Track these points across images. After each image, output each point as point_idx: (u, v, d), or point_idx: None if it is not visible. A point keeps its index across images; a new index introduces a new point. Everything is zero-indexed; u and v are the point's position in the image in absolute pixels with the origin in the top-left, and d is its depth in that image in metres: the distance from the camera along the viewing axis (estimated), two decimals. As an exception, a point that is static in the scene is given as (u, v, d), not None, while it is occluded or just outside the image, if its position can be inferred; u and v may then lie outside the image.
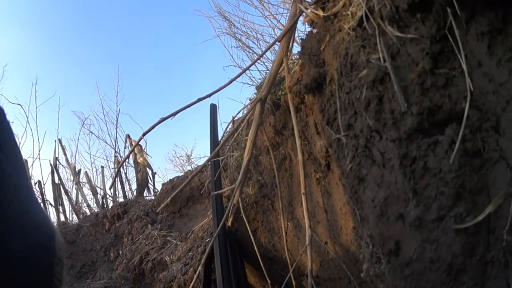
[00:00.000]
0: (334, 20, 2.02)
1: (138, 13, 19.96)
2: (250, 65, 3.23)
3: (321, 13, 2.17)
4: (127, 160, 10.09)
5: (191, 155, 10.06)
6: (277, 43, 2.79)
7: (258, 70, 6.78)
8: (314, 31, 2.30)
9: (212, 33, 7.72)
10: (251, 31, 7.06)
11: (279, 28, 6.45)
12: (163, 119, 2.92)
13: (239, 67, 6.93)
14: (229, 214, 3.22)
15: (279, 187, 3.11)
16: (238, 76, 2.93)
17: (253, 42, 6.99)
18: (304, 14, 2.31)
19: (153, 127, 2.99)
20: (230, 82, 2.87)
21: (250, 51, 6.94)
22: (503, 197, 1.24)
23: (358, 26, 1.71)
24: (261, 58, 6.77)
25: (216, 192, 3.46)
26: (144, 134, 2.97)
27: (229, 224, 3.28)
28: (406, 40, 1.51)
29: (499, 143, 1.30)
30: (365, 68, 1.66)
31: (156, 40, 20.02)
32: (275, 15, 6.49)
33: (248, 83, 6.65)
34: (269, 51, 6.77)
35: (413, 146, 1.47)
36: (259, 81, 6.58)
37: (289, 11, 5.39)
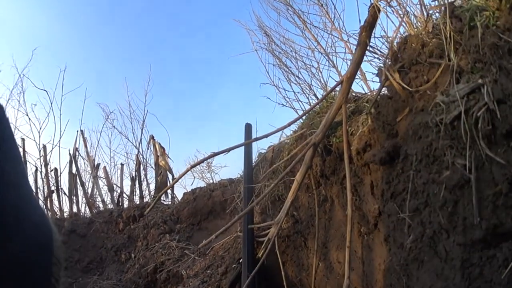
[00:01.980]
0: (415, 95, 2.07)
1: (174, 15, 19.88)
2: (309, 110, 3.25)
3: (397, 76, 2.22)
4: (147, 160, 10.13)
5: (211, 163, 10.06)
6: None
7: (293, 91, 6.77)
8: (387, 92, 2.35)
9: (249, 46, 7.68)
10: (290, 50, 7.05)
11: (318, 51, 6.42)
12: (215, 154, 2.97)
13: (274, 85, 6.88)
14: (263, 247, 3.24)
15: (317, 227, 3.15)
16: (292, 123, 2.98)
17: (291, 62, 6.97)
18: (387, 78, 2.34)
19: (203, 160, 3.09)
20: (285, 127, 2.92)
21: (288, 70, 6.92)
22: None
23: (449, 123, 1.75)
24: (297, 79, 6.80)
25: (251, 226, 3.50)
26: (192, 167, 3.02)
27: (259, 255, 3.31)
28: (493, 160, 1.57)
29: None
30: (448, 170, 1.74)
31: (190, 44, 19.90)
32: (316, 37, 6.48)
33: (282, 104, 6.65)
34: (304, 70, 6.82)
35: (475, 254, 1.63)
36: (293, 102, 6.60)
37: (351, 52, 5.43)
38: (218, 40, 19.20)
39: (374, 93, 2.77)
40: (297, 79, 6.74)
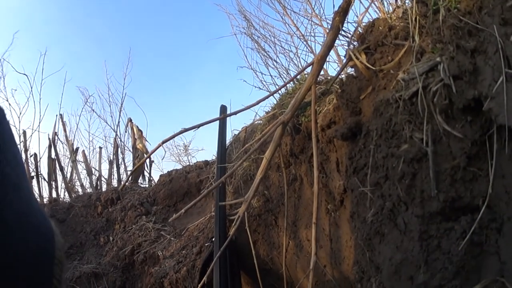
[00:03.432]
0: (379, 74, 2.13)
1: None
2: (276, 91, 3.28)
3: (364, 57, 2.27)
4: (124, 144, 10.10)
5: (189, 146, 10.04)
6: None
7: (270, 75, 6.81)
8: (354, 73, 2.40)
9: (229, 30, 7.71)
10: (269, 35, 7.06)
11: (297, 36, 6.46)
12: (185, 130, 2.99)
13: (252, 69, 6.91)
14: (233, 224, 3.28)
15: (286, 205, 3.20)
16: (261, 101, 3.01)
17: (270, 46, 6.99)
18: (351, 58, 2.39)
19: (173, 136, 3.06)
20: (254, 105, 2.95)
21: (266, 54, 6.94)
22: (489, 280, 1.50)
23: (408, 99, 1.81)
24: (274, 63, 6.82)
25: (222, 203, 3.55)
26: (163, 142, 3.02)
27: (230, 232, 3.36)
28: (451, 134, 1.64)
29: (498, 241, 1.53)
30: (406, 143, 1.80)
31: (170, 26, 19.80)
32: (295, 23, 6.50)
33: (259, 87, 6.68)
34: (282, 55, 6.84)
35: (433, 226, 1.70)
36: (270, 85, 6.63)
37: (323, 35, 5.42)
38: (199, 22, 19.18)
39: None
40: (275, 63, 6.81)
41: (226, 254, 3.32)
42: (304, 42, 6.31)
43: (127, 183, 7.68)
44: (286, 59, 6.78)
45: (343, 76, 2.77)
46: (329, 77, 3.47)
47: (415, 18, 2.00)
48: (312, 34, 6.30)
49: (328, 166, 2.77)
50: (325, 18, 5.59)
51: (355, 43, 2.55)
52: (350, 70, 2.58)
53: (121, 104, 11.04)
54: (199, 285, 3.06)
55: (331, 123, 2.64)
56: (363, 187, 2.07)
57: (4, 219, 0.64)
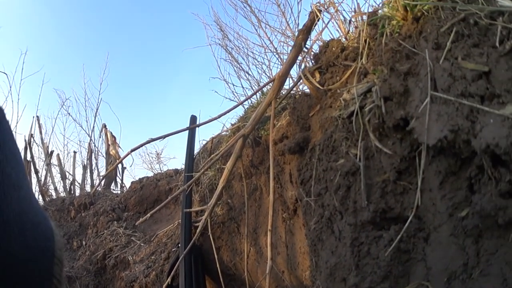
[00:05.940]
0: (328, 93, 2.29)
1: (135, 3, 19.71)
2: (238, 104, 3.43)
3: (318, 76, 2.43)
4: (98, 149, 10.13)
5: (161, 154, 10.09)
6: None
7: (242, 86, 6.91)
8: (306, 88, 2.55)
9: (205, 40, 7.79)
10: (243, 47, 7.17)
11: (270, 50, 6.57)
12: (152, 140, 3.12)
13: (224, 80, 7.01)
14: (198, 230, 3.40)
15: (247, 214, 3.34)
16: (223, 114, 3.15)
17: (243, 58, 7.09)
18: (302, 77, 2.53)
19: (141, 145, 3.19)
20: (219, 116, 3.09)
21: (239, 66, 7.05)
22: (416, 284, 1.67)
23: (347, 118, 1.98)
24: (246, 74, 6.94)
25: (187, 210, 3.68)
26: (132, 151, 3.16)
27: (194, 238, 3.47)
28: (382, 151, 1.80)
29: (424, 249, 1.69)
30: (343, 158, 1.97)
31: (147, 33, 19.80)
32: (269, 36, 6.63)
33: (230, 98, 6.78)
34: (254, 66, 6.95)
35: (363, 234, 1.86)
36: (241, 97, 6.74)
37: (285, 54, 5.54)
38: (177, 31, 19.20)
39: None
40: (247, 75, 6.89)
41: (191, 258, 3.45)
42: (277, 55, 6.42)
43: (99, 188, 7.71)
44: (258, 72, 6.88)
45: (298, 90, 2.93)
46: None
47: (365, 40, 2.14)
48: (285, 48, 6.40)
49: (283, 177, 2.91)
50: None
51: (311, 62, 2.69)
52: (305, 87, 2.73)
53: (97, 109, 11.06)
54: (164, 286, 3.19)
55: (283, 138, 2.78)
56: (308, 197, 2.24)
57: (4, 218, 0.65)
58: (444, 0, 1.71)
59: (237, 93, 6.89)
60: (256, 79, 6.77)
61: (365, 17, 2.28)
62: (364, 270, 1.80)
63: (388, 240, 1.76)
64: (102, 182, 8.70)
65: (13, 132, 0.82)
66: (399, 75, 1.78)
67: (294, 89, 3.18)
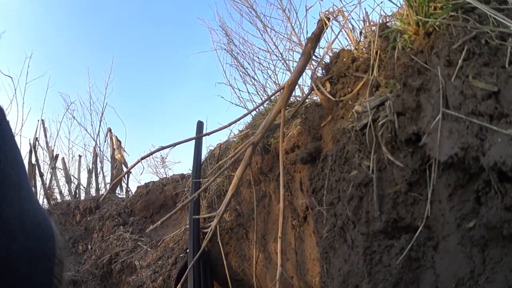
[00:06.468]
0: (339, 104, 2.35)
1: (140, 7, 19.68)
2: (250, 111, 3.48)
3: (328, 87, 2.47)
4: (103, 153, 10.15)
5: (166, 158, 10.09)
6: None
7: (248, 91, 6.94)
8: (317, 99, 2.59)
9: (210, 45, 7.82)
10: (248, 52, 7.19)
11: (275, 55, 6.62)
12: (162, 148, 3.18)
13: (230, 85, 7.05)
14: (206, 237, 3.44)
15: (256, 220, 3.39)
16: (233, 123, 3.20)
17: (248, 63, 7.12)
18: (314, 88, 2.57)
19: (151, 153, 3.25)
20: (229, 125, 3.15)
21: (244, 71, 7.08)
22: None
23: (360, 130, 2.04)
24: (251, 80, 6.98)
25: (196, 217, 3.73)
26: (142, 159, 3.20)
27: (203, 244, 3.50)
28: (394, 163, 1.86)
29: (434, 257, 1.77)
30: (356, 169, 2.04)
31: (152, 38, 19.69)
32: (275, 41, 6.66)
33: (236, 104, 6.82)
34: (260, 72, 6.99)
35: (375, 242, 1.94)
36: (247, 102, 6.78)
37: (294, 61, 5.56)
38: (181, 35, 19.18)
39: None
40: (253, 80, 6.93)
41: (199, 264, 3.49)
42: (282, 61, 6.45)
43: (106, 195, 7.73)
44: (264, 77, 6.89)
45: (309, 100, 2.97)
46: (299, 98, 3.64)
47: (376, 52, 2.18)
48: (290, 53, 6.44)
49: (293, 185, 2.97)
50: (304, 37, 5.71)
51: (321, 71, 2.73)
52: (316, 97, 2.76)
53: (102, 113, 11.06)
54: None
55: (294, 147, 2.83)
56: (320, 206, 2.30)
57: (4, 218, 0.65)
58: (455, 18, 1.75)
59: (243, 98, 6.93)
60: (262, 84, 6.82)
61: (374, 28, 2.31)
62: (376, 277, 1.87)
63: (399, 249, 1.84)
64: (107, 186, 8.72)
65: (13, 132, 0.83)
66: (411, 91, 1.82)
67: (302, 96, 3.21)
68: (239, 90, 6.98)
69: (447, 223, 1.69)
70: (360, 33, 2.65)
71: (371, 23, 2.54)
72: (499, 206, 1.43)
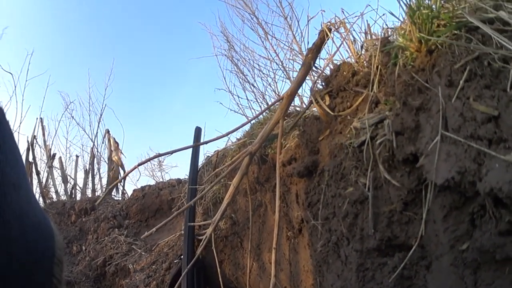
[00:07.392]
0: (338, 118, 2.35)
1: (143, 10, 19.70)
2: (248, 122, 3.49)
3: (327, 100, 2.47)
4: (101, 154, 10.14)
5: (163, 162, 10.10)
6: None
7: (247, 98, 6.96)
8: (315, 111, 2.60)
9: (211, 50, 7.84)
10: (249, 58, 7.21)
11: (275, 62, 6.63)
12: (160, 155, 3.18)
13: (229, 91, 7.07)
14: (201, 244, 3.44)
15: (251, 229, 3.38)
16: (230, 133, 3.19)
17: (248, 70, 7.13)
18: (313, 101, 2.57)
19: (148, 160, 3.24)
20: (227, 134, 3.15)
21: (244, 78, 7.10)
22: None
23: (357, 147, 2.04)
24: (251, 86, 6.99)
25: (191, 224, 3.73)
26: (139, 165, 3.19)
27: (198, 251, 3.50)
28: (391, 182, 1.85)
29: (426, 277, 1.77)
30: (352, 186, 2.04)
31: (154, 41, 19.76)
32: (275, 49, 6.67)
33: (234, 110, 6.83)
34: (260, 79, 7.00)
35: (369, 260, 1.94)
36: (245, 109, 6.79)
37: (294, 71, 5.56)
38: (182, 40, 19.19)
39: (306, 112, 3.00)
40: (252, 87, 6.95)
41: (193, 271, 3.51)
42: (282, 69, 6.46)
43: (102, 197, 7.72)
44: (264, 84, 6.92)
45: (308, 112, 2.97)
46: (298, 108, 3.64)
47: (377, 67, 2.17)
48: (291, 61, 6.44)
49: (289, 197, 2.97)
50: (305, 46, 5.71)
51: (322, 84, 2.73)
52: (314, 109, 2.76)
53: (101, 114, 11.08)
54: None
55: (291, 160, 2.82)
56: (315, 220, 2.30)
57: (4, 218, 0.65)
58: (459, 37, 1.74)
59: (241, 105, 6.95)
60: (261, 92, 6.84)
61: (376, 42, 2.31)
62: (368, 294, 1.87)
63: (392, 267, 1.84)
64: (104, 188, 8.71)
65: (13, 132, 0.84)
66: (411, 110, 1.81)
67: (301, 106, 3.21)
68: (238, 97, 7.01)
69: (441, 244, 1.69)
70: (362, 46, 2.64)
71: (373, 36, 2.53)
72: (493, 231, 1.43)
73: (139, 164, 3.20)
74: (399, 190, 1.84)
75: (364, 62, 2.42)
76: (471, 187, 1.46)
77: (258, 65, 7.02)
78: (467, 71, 1.60)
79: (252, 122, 4.02)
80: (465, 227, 1.60)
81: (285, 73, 6.28)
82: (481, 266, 1.55)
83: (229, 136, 3.65)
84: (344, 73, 2.47)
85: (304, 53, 5.12)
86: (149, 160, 3.18)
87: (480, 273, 1.55)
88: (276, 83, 6.68)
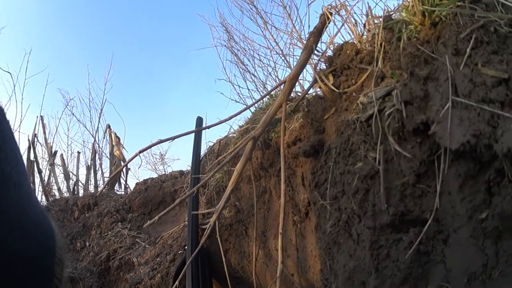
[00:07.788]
0: (343, 96, 2.28)
1: (141, 2, 19.67)
2: (248, 107, 3.43)
3: (331, 79, 2.41)
4: (102, 150, 10.10)
5: (165, 155, 10.06)
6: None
7: (248, 88, 6.91)
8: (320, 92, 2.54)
9: (210, 42, 7.79)
10: (249, 48, 7.16)
11: (276, 51, 6.57)
12: (161, 141, 3.12)
13: (230, 82, 7.02)
14: (205, 233, 3.38)
15: (256, 216, 3.33)
16: (234, 116, 3.14)
17: (248, 60, 7.09)
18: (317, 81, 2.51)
19: (149, 146, 3.19)
20: (229, 119, 3.08)
21: (244, 68, 7.04)
22: (435, 286, 1.68)
23: (365, 121, 1.97)
24: (251, 76, 6.94)
25: (194, 212, 3.66)
26: (140, 152, 3.14)
27: (202, 241, 3.45)
28: (402, 154, 1.79)
29: (444, 251, 1.70)
30: (361, 161, 1.97)
31: (153, 34, 19.70)
32: (275, 38, 6.61)
33: (235, 100, 6.78)
34: (260, 68, 6.95)
35: (383, 237, 1.86)
36: (246, 99, 6.74)
37: (294, 58, 5.50)
38: (181, 32, 19.17)
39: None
40: (253, 77, 6.90)
41: (198, 261, 3.43)
42: (283, 57, 6.41)
43: (104, 190, 7.69)
44: (264, 73, 6.87)
45: (313, 92, 2.91)
46: (300, 94, 3.59)
47: (381, 44, 2.13)
48: (291, 50, 6.39)
49: (294, 180, 2.91)
50: (305, 34, 5.67)
51: (324, 65, 2.67)
52: (318, 90, 2.70)
53: (101, 110, 11.01)
54: None
55: (296, 140, 2.77)
56: (323, 200, 2.23)
57: (4, 217, 0.64)
58: (462, 7, 1.70)
59: (242, 95, 6.91)
60: (262, 81, 6.78)
61: (377, 21, 2.27)
62: (383, 273, 1.80)
63: (407, 243, 1.77)
64: (106, 182, 8.69)
65: (13, 132, 0.81)
66: (419, 80, 1.78)
67: (302, 92, 3.16)
68: (239, 87, 6.95)
69: (458, 215, 1.63)
70: (364, 26, 2.59)
71: (376, 16, 2.48)
72: (514, 195, 1.38)
73: (141, 151, 3.16)
74: (411, 161, 1.78)
75: (366, 42, 2.37)
76: (487, 150, 1.41)
77: (258, 54, 6.97)
78: (473, 39, 1.59)
79: (253, 109, 3.97)
80: (482, 195, 1.55)
81: (285, 61, 6.21)
82: (502, 235, 1.49)
83: (231, 124, 3.61)
84: (348, 51, 2.43)
85: (304, 40, 5.08)
86: (150, 147, 3.14)
87: (502, 243, 1.50)
88: (277, 72, 6.64)
